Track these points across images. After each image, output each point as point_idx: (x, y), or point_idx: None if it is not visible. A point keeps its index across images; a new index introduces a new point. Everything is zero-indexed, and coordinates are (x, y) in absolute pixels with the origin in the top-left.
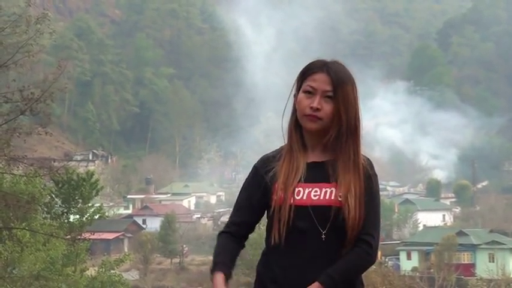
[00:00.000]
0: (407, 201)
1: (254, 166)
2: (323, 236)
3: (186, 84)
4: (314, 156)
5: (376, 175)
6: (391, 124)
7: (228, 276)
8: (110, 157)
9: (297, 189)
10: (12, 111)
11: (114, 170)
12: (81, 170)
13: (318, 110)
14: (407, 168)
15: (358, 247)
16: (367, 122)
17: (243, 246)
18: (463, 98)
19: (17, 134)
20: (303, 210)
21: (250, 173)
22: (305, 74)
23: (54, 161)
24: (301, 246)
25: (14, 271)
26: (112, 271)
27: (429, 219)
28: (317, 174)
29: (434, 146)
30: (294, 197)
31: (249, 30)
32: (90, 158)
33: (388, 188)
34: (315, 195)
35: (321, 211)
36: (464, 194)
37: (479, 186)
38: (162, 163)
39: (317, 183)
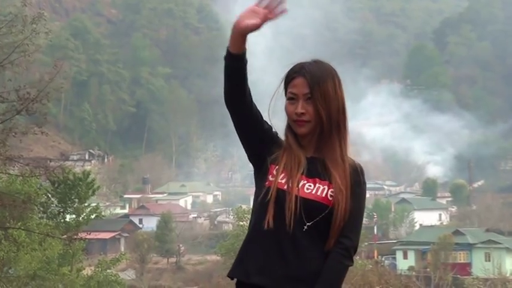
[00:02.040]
0: (403, 200)
1: (274, 130)
2: (305, 227)
3: (183, 83)
4: (309, 153)
5: (365, 183)
6: (387, 123)
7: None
8: (106, 157)
9: (299, 182)
10: (8, 111)
11: (110, 169)
12: (78, 169)
13: (302, 114)
14: (403, 168)
15: (336, 252)
16: (364, 122)
17: (248, 94)
18: (460, 97)
19: (13, 133)
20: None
21: (271, 126)
22: (286, 81)
23: (50, 161)
24: (286, 234)
25: (10, 271)
26: (108, 271)
27: (425, 218)
28: (313, 169)
29: (431, 145)
30: (298, 189)
31: None
32: (87, 157)
33: (385, 187)
34: (308, 189)
35: (310, 205)
36: (461, 194)
37: (476, 185)
38: (159, 163)
39: (312, 178)
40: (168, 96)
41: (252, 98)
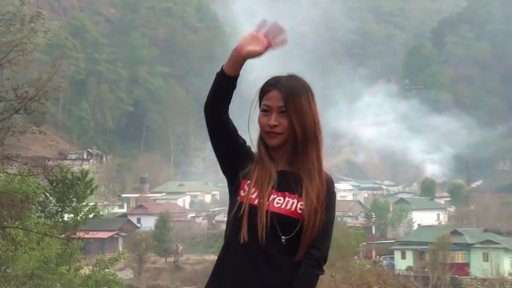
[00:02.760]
0: (401, 200)
1: (248, 144)
2: (283, 241)
3: (181, 83)
4: (281, 167)
5: (335, 193)
6: (386, 123)
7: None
8: (104, 156)
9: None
10: (6, 110)
11: (108, 168)
12: (76, 168)
13: (275, 126)
14: (401, 168)
15: (306, 262)
16: (362, 121)
17: (227, 115)
18: (458, 97)
19: (11, 132)
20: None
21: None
22: (261, 94)
23: (48, 160)
24: (258, 249)
25: (7, 270)
26: (106, 270)
27: (424, 218)
28: (284, 183)
29: (429, 145)
30: (268, 203)
31: (244, 29)
32: (85, 156)
33: (383, 187)
34: (277, 203)
35: (281, 219)
36: (459, 194)
37: (474, 185)
38: (157, 162)
39: (282, 192)
40: (167, 95)
41: (228, 116)
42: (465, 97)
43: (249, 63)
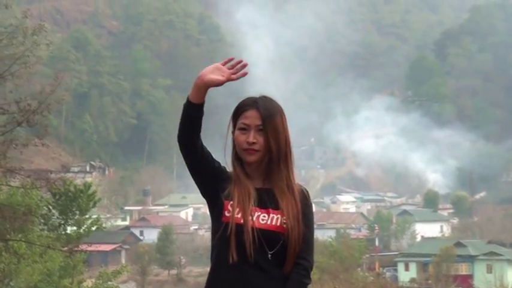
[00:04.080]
0: (405, 212)
1: (223, 166)
2: (269, 256)
3: (184, 95)
4: (258, 184)
5: (312, 205)
6: (388, 135)
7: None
8: (107, 169)
9: (252, 214)
10: (9, 123)
11: (111, 181)
12: (79, 181)
13: (254, 143)
14: (404, 179)
15: (296, 273)
16: (365, 133)
17: (199, 141)
18: (461, 109)
19: (14, 145)
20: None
21: (219, 163)
22: (238, 112)
23: (51, 173)
24: (248, 265)
25: (11, 283)
26: (109, 283)
27: (427, 230)
28: (265, 200)
29: (432, 157)
30: (252, 220)
31: (246, 42)
32: (88, 169)
33: (386, 199)
34: (263, 220)
35: (267, 235)
36: (462, 205)
37: (477, 197)
38: (160, 174)
39: (265, 209)
40: (169, 107)
41: (202, 142)
42: (468, 109)
43: (249, 75)
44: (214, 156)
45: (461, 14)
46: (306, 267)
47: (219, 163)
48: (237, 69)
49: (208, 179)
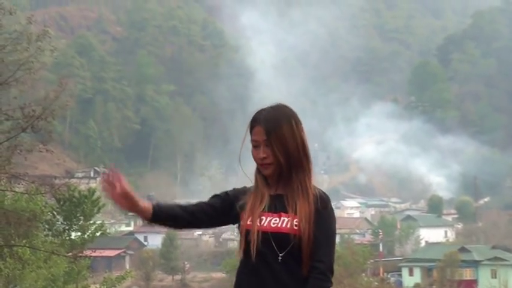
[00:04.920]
0: (409, 217)
1: (226, 191)
2: (279, 258)
3: (188, 101)
4: (273, 191)
5: (330, 208)
6: (392, 140)
7: (154, 207)
8: None
9: (261, 217)
10: (13, 129)
11: None
12: (83, 187)
13: (265, 158)
14: (409, 185)
15: (313, 277)
16: (368, 139)
17: (185, 217)
18: (464, 114)
19: (18, 151)
20: (265, 236)
21: (221, 193)
22: (250, 129)
23: (55, 178)
24: (264, 266)
25: None
26: None
27: (431, 235)
28: (278, 205)
29: (436, 162)
30: (258, 224)
31: (250, 47)
32: (92, 175)
33: (390, 204)
34: (273, 223)
35: (279, 237)
36: (466, 210)
37: (481, 202)
38: (164, 180)
39: (277, 213)
40: (173, 113)
41: (190, 211)
42: (471, 114)
43: (253, 80)
44: (218, 161)
45: (464, 19)
46: (322, 270)
47: (224, 194)
48: (115, 180)
49: (226, 218)
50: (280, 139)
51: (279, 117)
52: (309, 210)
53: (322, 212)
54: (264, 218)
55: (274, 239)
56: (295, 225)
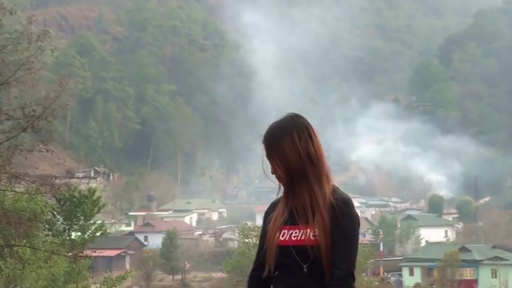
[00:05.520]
0: (409, 217)
1: (265, 212)
2: (305, 269)
3: (188, 101)
4: (292, 203)
5: (349, 213)
6: (393, 140)
7: None
8: (111, 174)
9: (282, 231)
10: (13, 129)
11: (116, 187)
12: (83, 187)
13: (275, 173)
14: (409, 185)
15: (332, 284)
16: (369, 138)
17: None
18: (465, 113)
19: (19, 151)
20: (285, 249)
21: (262, 229)
22: None
23: (55, 178)
24: (289, 278)
25: None
26: None
27: (431, 235)
28: (296, 217)
29: (437, 162)
30: (279, 238)
31: (250, 47)
32: (92, 175)
33: (390, 204)
34: (294, 236)
35: (300, 250)
36: (467, 210)
37: (482, 202)
38: (164, 180)
39: (296, 226)
40: (174, 113)
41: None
42: (472, 114)
43: (253, 80)
44: (218, 161)
45: (465, 19)
46: (340, 277)
47: (262, 227)
48: None
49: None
50: (279, 154)
51: (279, 132)
52: (324, 220)
53: (340, 220)
54: (285, 231)
55: (296, 251)
56: (313, 236)
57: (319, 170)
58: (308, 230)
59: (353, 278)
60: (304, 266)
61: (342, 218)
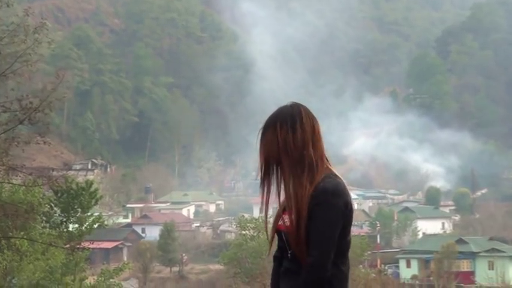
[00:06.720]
0: (406, 209)
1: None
2: (289, 255)
3: (185, 93)
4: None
5: (323, 201)
6: (391, 132)
7: None
8: (109, 166)
9: (283, 216)
10: (10, 121)
11: (113, 179)
12: (80, 179)
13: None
14: (406, 176)
15: (303, 269)
16: (366, 130)
17: None
18: (462, 106)
19: (16, 143)
20: (279, 234)
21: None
22: None
23: (53, 170)
24: (284, 261)
25: (13, 280)
26: (111, 280)
27: (428, 227)
28: (287, 204)
29: (434, 154)
30: (277, 223)
31: (248, 39)
32: (89, 167)
33: (388, 196)
34: (284, 222)
35: (282, 235)
36: (464, 202)
37: (479, 194)
38: (162, 172)
39: (285, 212)
40: (171, 105)
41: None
42: (470, 106)
43: (251, 72)
44: (216, 153)
45: (462, 11)
46: (310, 263)
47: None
48: None
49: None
50: (264, 144)
51: (268, 122)
52: (298, 207)
53: (314, 209)
54: (285, 216)
55: (285, 236)
56: (287, 223)
57: (295, 162)
58: (285, 217)
59: (323, 265)
60: (289, 251)
61: (316, 207)
